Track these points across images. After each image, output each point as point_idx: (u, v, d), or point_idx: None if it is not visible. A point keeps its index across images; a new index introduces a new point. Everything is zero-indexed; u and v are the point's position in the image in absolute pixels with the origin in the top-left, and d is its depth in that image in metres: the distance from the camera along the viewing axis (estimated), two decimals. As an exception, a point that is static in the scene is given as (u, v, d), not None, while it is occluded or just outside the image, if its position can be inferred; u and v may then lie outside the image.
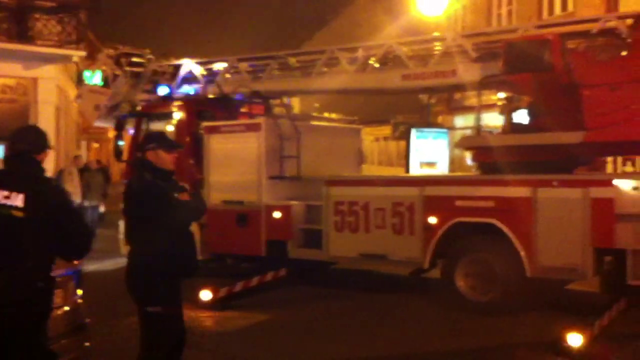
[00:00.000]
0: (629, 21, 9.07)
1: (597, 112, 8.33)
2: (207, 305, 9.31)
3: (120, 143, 12.96)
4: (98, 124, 14.90)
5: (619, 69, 8.41)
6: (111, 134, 15.40)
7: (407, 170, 14.14)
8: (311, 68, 11.86)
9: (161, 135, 5.61)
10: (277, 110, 12.35)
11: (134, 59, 13.85)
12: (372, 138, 29.28)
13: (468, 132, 20.16)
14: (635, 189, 7.81)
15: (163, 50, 14.19)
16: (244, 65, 12.62)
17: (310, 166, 11.24)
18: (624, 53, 8.69)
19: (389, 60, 11.27)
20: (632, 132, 8.17)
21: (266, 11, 37.58)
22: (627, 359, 7.04)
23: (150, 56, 13.88)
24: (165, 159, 5.22)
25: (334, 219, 10.04)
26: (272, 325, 8.67)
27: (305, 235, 10.61)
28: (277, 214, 10.67)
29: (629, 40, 8.70)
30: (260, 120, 11.22)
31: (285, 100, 12.69)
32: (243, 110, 12.50)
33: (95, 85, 14.15)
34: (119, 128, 13.05)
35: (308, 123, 12.28)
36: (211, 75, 12.90)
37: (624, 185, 7.88)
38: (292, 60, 12.14)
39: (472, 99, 19.43)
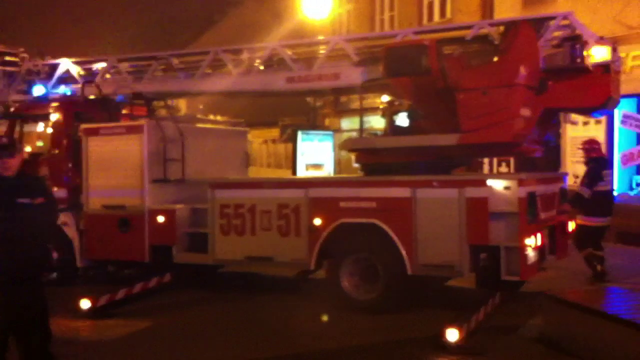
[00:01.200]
0: (501, 28, 9.53)
1: (470, 116, 8.69)
2: (87, 314, 8.99)
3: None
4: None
5: (491, 74, 8.81)
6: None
7: (294, 173, 14.25)
8: (195, 69, 11.68)
9: None
10: (161, 112, 12.07)
11: (7, 58, 13.16)
12: (260, 140, 29.25)
13: (354, 134, 20.59)
14: (507, 188, 8.19)
15: (37, 48, 13.51)
16: (124, 66, 12.27)
17: (195, 169, 11.08)
18: (495, 59, 9.10)
19: (273, 62, 11.28)
20: (503, 135, 8.57)
21: (150, 11, 36.70)
22: (502, 351, 7.36)
23: (24, 55, 13.24)
24: None
25: (220, 222, 9.94)
26: (153, 332, 8.47)
27: (191, 239, 10.45)
28: (160, 218, 10.45)
29: (501, 46, 9.14)
30: (142, 122, 10.95)
31: (169, 101, 12.43)
32: (124, 111, 12.15)
33: None
34: (-10, 130, 12.36)
35: (193, 125, 12.08)
36: (90, 76, 12.44)
37: (497, 185, 8.24)
38: (176, 61, 11.91)
39: (357, 102, 19.82)
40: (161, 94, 12.00)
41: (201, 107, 13.09)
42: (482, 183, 8.34)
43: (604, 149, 14.04)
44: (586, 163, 10.48)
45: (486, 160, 15.19)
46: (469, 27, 9.89)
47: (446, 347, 7.14)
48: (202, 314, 9.35)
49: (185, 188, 10.90)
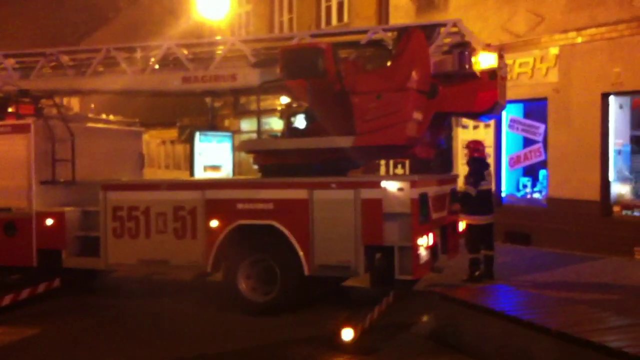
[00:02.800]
0: (395, 33, 9.76)
1: (365, 118, 8.84)
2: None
3: None
4: None
5: (384, 78, 9.00)
6: None
7: (192, 174, 14.03)
8: (87, 67, 11.29)
9: None
10: (50, 111, 11.58)
11: None
12: (158, 141, 28.61)
13: (254, 135, 20.51)
14: (400, 190, 8.39)
15: None
16: (10, 62, 11.69)
17: (86, 170, 10.72)
18: (389, 63, 9.32)
19: (169, 62, 11.07)
20: (396, 137, 8.78)
21: (41, 8, 35.17)
22: (395, 348, 7.54)
23: None
24: None
25: (112, 225, 9.67)
26: (40, 339, 8.18)
27: (82, 243, 10.11)
28: (49, 221, 10.07)
29: (394, 51, 9.36)
30: (28, 120, 10.48)
31: (58, 100, 11.95)
32: (10, 110, 11.58)
33: None
34: None
35: (84, 125, 11.66)
36: (-28, 72, 11.78)
37: (391, 186, 8.43)
38: (66, 58, 11.47)
39: (256, 103, 19.76)
40: (50, 92, 11.52)
41: (93, 106, 12.66)
42: (377, 185, 8.51)
43: (492, 151, 14.72)
44: (468, 163, 10.88)
45: (383, 162, 15.52)
46: (364, 32, 10.07)
47: (341, 346, 7.24)
48: (92, 320, 9.08)
49: (76, 190, 10.52)
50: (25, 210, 10.20)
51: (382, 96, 8.87)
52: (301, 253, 8.65)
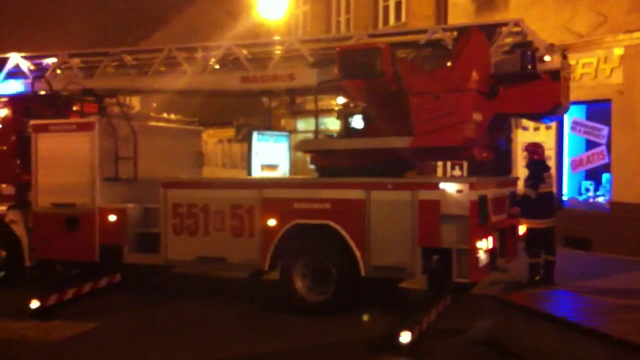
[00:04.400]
0: (454, 33, 9.66)
1: (422, 119, 8.76)
2: (34, 315, 8.80)
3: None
4: None
5: (443, 79, 8.90)
6: None
7: (249, 173, 14.14)
8: (149, 67, 11.52)
9: None
10: (113, 109, 11.88)
11: None
12: (215, 140, 29.00)
13: (310, 135, 20.57)
14: (459, 191, 8.29)
15: None
16: (76, 61, 12.01)
17: (147, 168, 10.94)
18: (448, 64, 9.22)
19: (228, 62, 11.21)
20: (453, 139, 8.68)
21: (103, 7, 36.07)
22: (449, 352, 7.46)
23: None
24: None
25: (172, 221, 9.83)
26: (100, 334, 8.36)
27: (142, 239, 10.29)
28: (111, 217, 10.29)
29: (453, 51, 9.26)
30: (93, 119, 10.74)
31: (122, 99, 12.24)
32: (75, 108, 11.91)
33: None
34: None
35: (146, 123, 11.92)
36: (40, 71, 12.16)
37: (450, 188, 8.33)
38: (128, 58, 11.73)
39: (312, 103, 19.82)
40: (113, 91, 11.81)
41: (154, 105, 12.92)
42: (435, 186, 8.43)
43: (553, 154, 14.40)
44: (527, 166, 10.71)
45: (440, 164, 15.36)
46: (423, 32, 9.98)
47: (397, 348, 7.20)
48: (148, 315, 9.25)
49: (137, 187, 10.75)
50: (88, 206, 10.43)
51: (441, 97, 8.78)
52: (357, 253, 8.63)
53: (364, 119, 10.03)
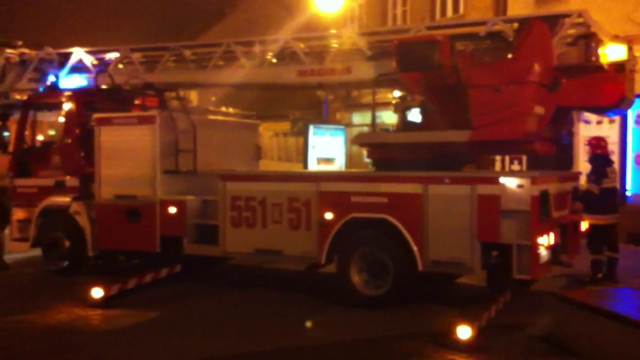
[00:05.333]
0: (515, 25, 9.48)
1: (481, 112, 8.65)
2: (97, 303, 9.05)
3: (6, 134, 12.36)
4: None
5: (503, 71, 8.77)
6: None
7: (305, 166, 14.24)
8: (207, 61, 11.68)
9: None
10: (172, 103, 12.10)
11: (8, 51, 13.24)
12: (271, 133, 29.18)
13: (365, 129, 20.53)
14: (519, 186, 8.14)
15: (36, 42, 13.54)
16: (137, 56, 12.28)
17: (206, 160, 11.10)
18: (509, 56, 9.06)
19: (285, 55, 11.27)
20: (513, 132, 8.54)
21: (160, 2, 36.67)
22: (507, 348, 7.35)
23: (23, 49, 13.30)
24: None
25: (230, 214, 9.95)
26: (160, 322, 8.54)
27: (201, 230, 10.45)
28: (172, 209, 10.47)
29: (514, 43, 9.09)
30: (154, 112, 10.96)
31: (181, 92, 12.45)
32: (136, 102, 12.18)
33: None
34: (4, 118, 12.48)
35: (204, 117, 12.10)
36: (102, 65, 12.47)
37: (510, 182, 8.19)
38: (187, 53, 11.92)
39: (368, 97, 19.75)
40: (172, 85, 12.03)
41: (213, 99, 13.11)
42: (495, 180, 8.30)
43: (617, 149, 14.02)
44: (590, 160, 10.45)
45: (498, 158, 15.14)
46: (482, 24, 9.85)
47: (454, 343, 7.13)
48: (211, 304, 9.39)
49: (196, 179, 10.91)
50: (149, 197, 10.64)
51: (501, 89, 8.65)
52: (415, 248, 8.58)
53: (422, 112, 9.96)
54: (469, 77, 8.81)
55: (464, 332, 7.11)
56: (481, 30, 9.65)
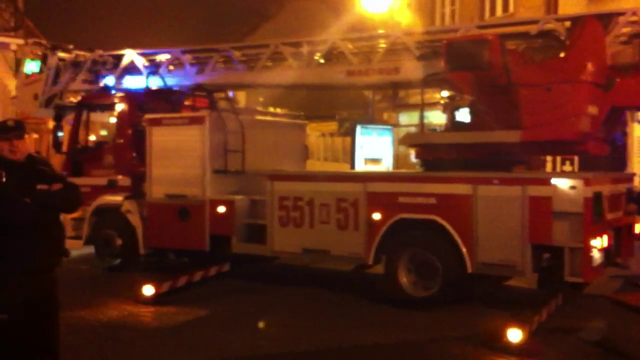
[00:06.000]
0: (567, 23, 9.31)
1: (533, 112, 8.53)
2: (148, 301, 9.20)
3: (60, 134, 12.68)
4: (39, 114, 14.53)
5: (556, 70, 8.61)
6: (51, 124, 15.03)
7: (353, 167, 14.23)
8: (255, 62, 11.78)
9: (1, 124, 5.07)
10: (221, 103, 12.23)
11: (60, 54, 13.57)
12: (317, 133, 29.24)
13: (412, 129, 20.40)
14: (572, 188, 8.00)
15: (87, 45, 13.85)
16: (187, 57, 12.45)
17: (254, 161, 11.20)
18: (562, 55, 8.90)
19: (333, 56, 11.29)
20: (566, 132, 8.39)
21: (207, 4, 37.15)
22: (560, 353, 7.23)
23: (76, 52, 13.62)
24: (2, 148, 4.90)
25: (278, 214, 10.01)
26: (210, 319, 8.64)
27: (249, 230, 10.55)
28: (221, 209, 10.58)
29: (567, 42, 8.93)
30: (204, 113, 11.11)
31: (229, 93, 12.58)
32: (186, 103, 12.36)
33: (30, 74, 13.81)
34: (59, 119, 12.78)
35: (253, 117, 12.20)
36: (154, 67, 12.69)
37: (562, 184, 8.05)
38: (236, 54, 12.04)
39: (416, 97, 19.61)
40: (222, 86, 12.16)
41: (261, 99, 13.24)
42: (546, 182, 8.16)
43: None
44: None
45: (549, 158, 14.87)
46: (534, 22, 9.72)
47: (505, 347, 7.04)
48: (259, 303, 9.45)
49: (244, 179, 11.02)
50: (199, 197, 10.78)
51: (553, 89, 8.51)
52: (464, 250, 8.50)
53: (471, 112, 9.84)
54: (520, 76, 8.69)
55: (514, 335, 7.01)
56: (533, 28, 9.52)
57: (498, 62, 8.68)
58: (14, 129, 4.93)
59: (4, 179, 4.78)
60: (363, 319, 8.57)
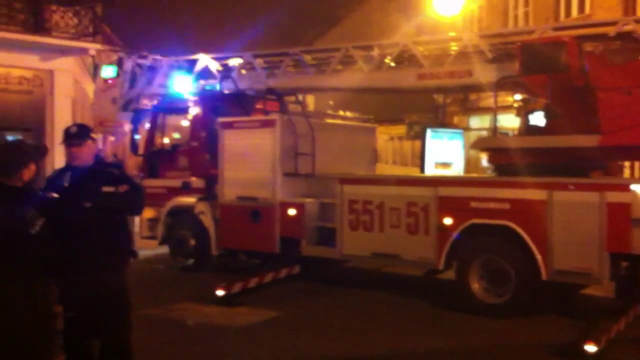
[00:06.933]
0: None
1: (612, 116, 8.30)
2: (221, 301, 9.36)
3: (137, 137, 13.05)
4: (117, 118, 15.04)
5: (636, 73, 8.36)
6: (127, 127, 15.53)
7: (422, 171, 14.11)
8: (326, 65, 11.86)
9: (65, 130, 5.24)
10: (292, 107, 12.36)
11: (138, 60, 13.98)
12: (386, 137, 29.13)
13: (483, 133, 20.11)
14: (652, 194, 7.73)
15: (164, 47, 14.28)
16: (259, 62, 12.63)
17: (324, 164, 11.24)
18: (642, 57, 8.63)
19: (404, 59, 11.26)
20: None
21: (278, 7, 37.54)
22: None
23: (155, 56, 14.01)
24: (67, 153, 5.11)
25: (348, 217, 10.02)
26: (280, 320, 8.71)
27: (319, 232, 10.60)
28: (291, 211, 10.67)
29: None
30: (275, 116, 11.23)
31: (300, 97, 12.69)
32: (258, 106, 12.52)
33: (106, 79, 14.32)
34: (136, 122, 13.14)
35: (322, 121, 12.29)
36: (227, 71, 12.92)
37: (642, 190, 7.80)
38: (307, 57, 12.13)
39: (487, 100, 19.37)
40: (293, 90, 12.28)
41: (331, 102, 13.32)
42: (626, 188, 7.92)
43: None
44: None
45: (627, 164, 14.40)
46: (612, 24, 9.48)
47: (583, 357, 6.84)
48: (328, 306, 9.47)
49: (314, 182, 11.08)
50: (269, 200, 10.90)
51: (633, 92, 8.25)
52: (538, 256, 8.31)
53: (546, 115, 9.63)
54: (598, 79, 8.47)
55: (591, 345, 6.80)
56: (611, 30, 9.27)
57: (575, 64, 8.48)
58: (74, 137, 5.10)
59: (66, 184, 4.98)
60: (434, 324, 8.49)
